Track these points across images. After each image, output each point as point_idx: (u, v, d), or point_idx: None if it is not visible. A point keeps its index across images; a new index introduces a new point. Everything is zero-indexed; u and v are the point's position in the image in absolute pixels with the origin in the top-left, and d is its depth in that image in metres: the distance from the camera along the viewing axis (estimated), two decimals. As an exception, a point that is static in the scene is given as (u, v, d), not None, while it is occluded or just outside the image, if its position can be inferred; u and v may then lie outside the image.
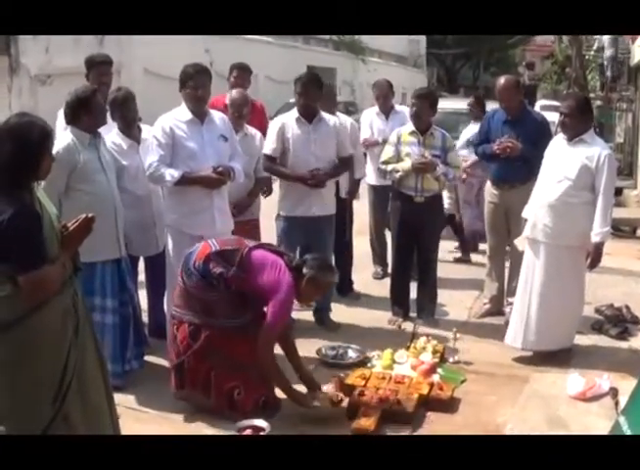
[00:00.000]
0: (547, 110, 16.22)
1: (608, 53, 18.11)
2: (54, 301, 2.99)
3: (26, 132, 2.94)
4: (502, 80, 5.83)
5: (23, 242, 2.83)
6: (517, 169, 5.68)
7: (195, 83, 4.81)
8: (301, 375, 4.45)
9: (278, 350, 4.40)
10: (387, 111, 7.24)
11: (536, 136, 5.65)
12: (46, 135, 3.02)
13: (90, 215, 3.07)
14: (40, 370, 2.96)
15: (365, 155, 7.25)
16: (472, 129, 7.56)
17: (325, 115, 5.61)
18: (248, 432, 3.93)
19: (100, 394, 3.21)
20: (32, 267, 2.85)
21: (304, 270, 4.20)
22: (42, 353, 2.97)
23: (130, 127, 5.06)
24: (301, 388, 4.36)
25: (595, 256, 4.90)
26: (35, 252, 2.87)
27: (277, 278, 4.09)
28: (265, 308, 4.21)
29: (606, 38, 18.31)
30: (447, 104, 9.73)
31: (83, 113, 4.35)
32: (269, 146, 5.50)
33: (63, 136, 4.44)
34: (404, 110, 7.07)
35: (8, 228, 2.80)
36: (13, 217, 2.81)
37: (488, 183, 6.01)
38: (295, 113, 5.52)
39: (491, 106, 7.18)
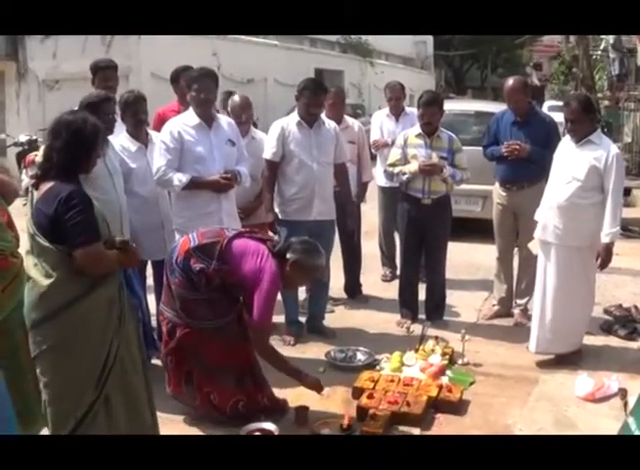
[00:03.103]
0: (555, 110, 16.18)
1: (613, 54, 18.05)
2: (101, 289, 3.19)
3: (81, 126, 3.20)
4: (510, 81, 5.81)
5: (80, 217, 3.07)
6: (525, 171, 5.68)
7: (198, 86, 4.83)
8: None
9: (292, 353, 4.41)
10: (397, 113, 7.24)
11: (545, 137, 5.65)
12: (98, 130, 3.30)
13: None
14: (86, 354, 3.17)
15: (375, 157, 7.26)
16: None
17: (325, 119, 5.60)
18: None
19: (140, 380, 3.39)
20: (89, 240, 3.08)
21: (288, 255, 4.04)
22: (88, 339, 3.17)
23: (139, 130, 5.08)
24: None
25: (605, 256, 4.86)
26: (90, 226, 3.12)
27: (259, 266, 3.93)
28: (245, 311, 4.13)
29: (611, 38, 18.26)
30: (455, 105, 9.71)
31: None
32: (270, 150, 5.44)
33: None
34: (414, 111, 7.06)
35: (65, 205, 3.05)
36: (70, 195, 3.07)
37: (496, 185, 5.99)
38: (295, 117, 5.47)
39: (500, 107, 7.17)
